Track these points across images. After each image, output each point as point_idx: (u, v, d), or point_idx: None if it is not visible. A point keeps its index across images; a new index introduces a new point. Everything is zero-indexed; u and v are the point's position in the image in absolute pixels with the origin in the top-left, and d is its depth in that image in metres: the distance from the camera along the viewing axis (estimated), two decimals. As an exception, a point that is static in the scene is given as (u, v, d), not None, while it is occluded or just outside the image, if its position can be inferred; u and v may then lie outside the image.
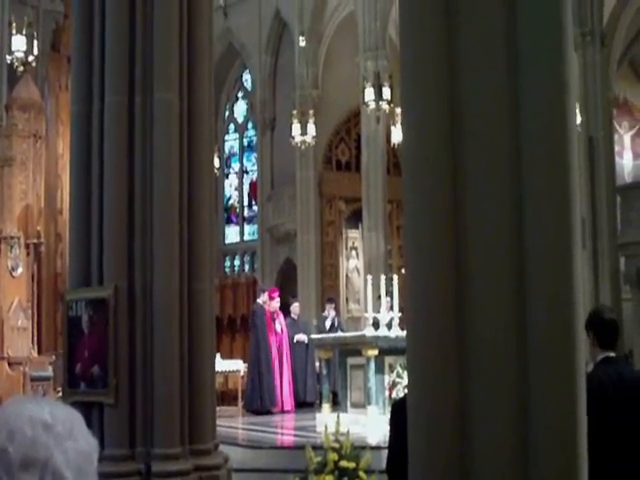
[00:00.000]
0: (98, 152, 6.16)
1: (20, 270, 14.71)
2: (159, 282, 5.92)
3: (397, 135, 16.80)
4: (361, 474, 6.58)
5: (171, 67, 6.17)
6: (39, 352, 14.98)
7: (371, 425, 9.21)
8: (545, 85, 2.71)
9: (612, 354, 4.21)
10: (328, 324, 14.52)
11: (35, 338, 15.02)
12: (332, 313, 14.84)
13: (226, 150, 23.70)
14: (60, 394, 12.85)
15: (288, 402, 13.08)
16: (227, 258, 22.84)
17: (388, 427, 4.59)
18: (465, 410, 2.69)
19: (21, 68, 15.88)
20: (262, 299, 14.10)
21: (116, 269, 5.93)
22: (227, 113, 23.94)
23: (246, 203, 23.29)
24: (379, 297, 10.79)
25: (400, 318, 10.33)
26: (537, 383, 2.63)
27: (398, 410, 4.20)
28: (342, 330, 13.66)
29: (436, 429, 2.74)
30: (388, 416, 9.39)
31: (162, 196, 6.03)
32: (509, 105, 2.72)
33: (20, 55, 15.54)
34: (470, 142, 2.75)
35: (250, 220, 22.97)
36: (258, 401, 12.92)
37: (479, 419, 2.68)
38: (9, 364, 13.99)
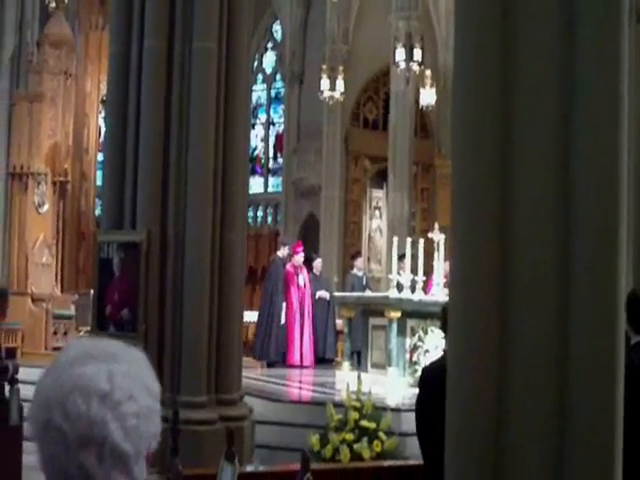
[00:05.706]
0: (135, 95, 6.13)
1: (46, 207, 14.72)
2: (192, 229, 5.92)
3: (426, 97, 16.59)
4: (381, 435, 6.59)
5: (211, 15, 6.10)
6: (61, 290, 15.06)
7: (391, 386, 9.20)
8: (599, 56, 2.72)
9: None
10: (364, 280, 14.09)
11: (58, 276, 15.10)
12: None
13: (253, 100, 23.53)
14: (81, 334, 12.99)
15: (308, 358, 13.03)
16: (250, 209, 22.81)
17: (416, 390, 4.59)
18: (503, 376, 2.72)
19: (53, 4, 15.76)
20: (282, 252, 13.63)
21: (149, 213, 5.93)
22: (256, 63, 23.74)
23: (271, 155, 23.19)
24: (402, 256, 10.68)
25: (423, 282, 10.28)
26: (577, 352, 2.67)
27: (430, 374, 4.19)
28: (370, 288, 13.48)
29: (474, 396, 2.77)
30: (408, 379, 9.40)
31: (198, 144, 6.01)
32: (561, 78, 2.72)
33: (53, -8, 15.41)
34: (522, 115, 2.76)
35: (275, 172, 22.87)
36: (267, 352, 12.81)
37: (517, 387, 2.71)
38: (32, 300, 14.02)
